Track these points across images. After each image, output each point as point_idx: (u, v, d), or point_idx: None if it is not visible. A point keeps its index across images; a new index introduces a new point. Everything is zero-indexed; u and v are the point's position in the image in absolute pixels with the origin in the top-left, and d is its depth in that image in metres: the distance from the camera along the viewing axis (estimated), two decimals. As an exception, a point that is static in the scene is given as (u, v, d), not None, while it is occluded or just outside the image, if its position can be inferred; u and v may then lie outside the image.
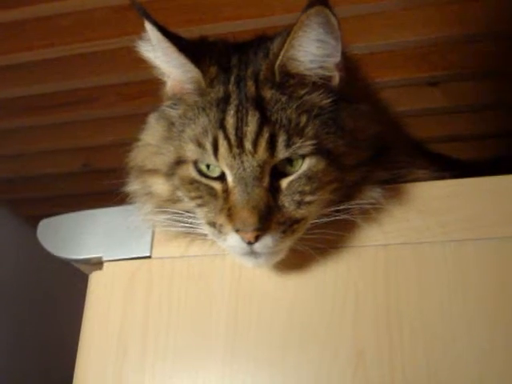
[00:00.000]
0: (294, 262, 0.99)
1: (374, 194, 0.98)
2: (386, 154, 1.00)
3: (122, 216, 1.09)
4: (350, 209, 0.96)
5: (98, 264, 1.08)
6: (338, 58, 0.97)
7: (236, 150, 0.92)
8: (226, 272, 1.02)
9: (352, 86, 1.02)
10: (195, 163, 0.96)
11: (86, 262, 1.10)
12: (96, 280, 1.08)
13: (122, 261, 1.07)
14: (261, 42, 1.05)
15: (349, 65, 1.06)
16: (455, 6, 1.93)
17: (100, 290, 1.07)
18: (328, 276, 0.97)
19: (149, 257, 1.06)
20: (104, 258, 1.08)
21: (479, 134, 2.42)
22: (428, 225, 0.97)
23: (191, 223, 0.98)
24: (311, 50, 0.94)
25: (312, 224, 0.95)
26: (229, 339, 0.97)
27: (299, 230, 0.94)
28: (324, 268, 0.98)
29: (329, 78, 0.98)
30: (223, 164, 0.93)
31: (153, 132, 1.05)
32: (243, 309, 0.99)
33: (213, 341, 0.98)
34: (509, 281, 0.91)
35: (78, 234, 1.11)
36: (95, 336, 1.04)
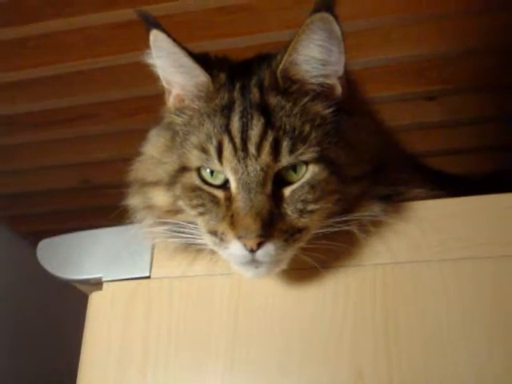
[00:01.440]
0: (293, 280, 1.00)
1: (374, 207, 0.99)
2: (385, 169, 1.01)
3: (122, 236, 1.09)
4: (351, 221, 0.96)
5: (97, 284, 1.09)
6: (340, 70, 0.98)
7: (241, 154, 0.93)
8: (225, 292, 1.02)
9: (353, 100, 1.04)
10: (198, 170, 0.97)
11: (86, 282, 1.10)
12: (96, 300, 1.08)
13: (121, 281, 1.07)
14: (265, 56, 1.07)
15: (352, 80, 1.07)
16: (451, 21, 1.94)
17: (100, 311, 1.07)
18: (327, 295, 0.98)
19: (148, 277, 1.06)
20: (104, 279, 1.08)
21: (476, 148, 2.43)
22: (426, 243, 0.97)
23: (192, 234, 0.99)
24: (313, 55, 0.96)
25: (314, 235, 0.95)
26: (228, 358, 0.97)
27: (301, 239, 0.94)
28: (323, 287, 0.98)
29: (330, 88, 0.99)
30: (227, 168, 0.93)
31: (155, 144, 1.06)
32: (242, 328, 0.99)
33: (212, 360, 0.98)
34: (506, 300, 0.91)
35: (77, 255, 1.11)
36: (95, 356, 1.04)
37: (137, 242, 1.07)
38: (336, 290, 0.98)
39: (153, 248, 1.08)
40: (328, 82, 0.98)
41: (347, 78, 1.02)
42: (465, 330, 0.91)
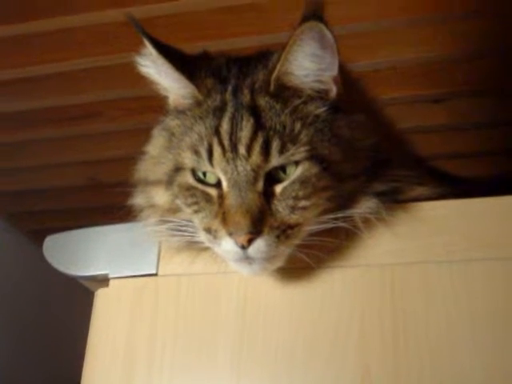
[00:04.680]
0: (300, 280, 1.00)
1: (370, 204, 0.99)
2: (384, 166, 1.01)
3: (129, 233, 1.10)
4: (347, 217, 0.96)
5: (104, 281, 1.09)
6: (334, 71, 0.98)
7: (230, 155, 0.94)
8: (232, 290, 1.02)
9: (350, 97, 1.04)
10: (193, 170, 0.98)
11: (92, 278, 1.10)
12: (102, 297, 1.09)
13: (128, 278, 1.08)
14: (263, 55, 1.07)
15: (348, 78, 1.08)
16: (459, 24, 1.93)
17: (106, 308, 1.07)
18: (334, 294, 0.98)
19: (155, 274, 1.07)
20: (110, 275, 1.08)
21: (484, 152, 2.42)
22: (434, 244, 0.97)
23: (191, 232, 1.00)
24: (306, 65, 0.96)
25: (311, 231, 0.96)
26: (235, 356, 0.98)
27: (294, 235, 0.94)
28: (331, 286, 0.98)
29: (325, 91, 0.99)
30: (218, 169, 0.95)
31: (155, 144, 1.08)
32: (249, 326, 0.99)
33: (219, 358, 0.98)
34: (515, 301, 0.91)
35: (84, 251, 1.11)
36: (101, 353, 1.04)
37: (144, 239, 1.07)
38: (343, 289, 0.98)
39: (160, 245, 1.08)
40: (322, 86, 0.99)
41: (343, 77, 1.02)
42: (474, 332, 0.91)
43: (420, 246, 0.98)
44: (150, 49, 0.99)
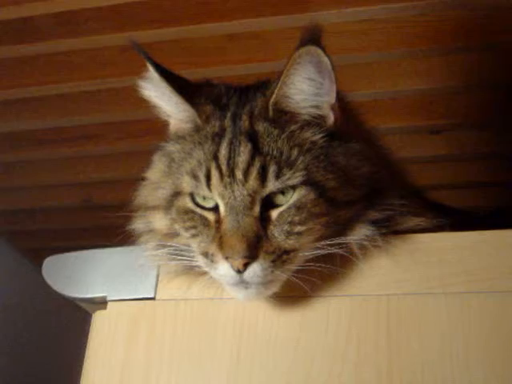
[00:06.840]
0: (297, 307, 1.00)
1: (366, 231, 0.99)
2: (380, 196, 1.01)
3: (128, 256, 1.10)
4: (343, 244, 0.96)
5: (101, 303, 1.09)
6: (332, 99, 0.99)
7: (227, 180, 0.95)
8: (229, 316, 1.02)
9: (348, 126, 1.05)
10: (191, 194, 0.99)
11: (90, 301, 1.10)
12: (99, 319, 1.08)
13: (126, 301, 1.07)
14: (263, 83, 1.09)
15: (347, 107, 1.09)
16: (458, 57, 1.96)
17: (103, 330, 1.07)
18: (330, 323, 0.98)
19: (153, 298, 1.07)
20: (108, 298, 1.08)
21: (481, 183, 2.43)
22: (430, 276, 0.97)
23: (189, 257, 1.00)
24: (303, 88, 0.97)
25: (306, 257, 0.96)
26: (231, 382, 0.97)
27: (290, 261, 0.95)
28: (326, 315, 0.98)
29: (322, 118, 1.00)
30: (215, 194, 0.95)
31: (155, 169, 1.08)
32: (245, 352, 0.99)
33: (215, 383, 0.98)
34: (510, 335, 0.91)
35: (83, 273, 1.11)
36: (97, 376, 1.03)
37: (142, 263, 1.07)
38: (339, 319, 0.98)
39: (158, 269, 1.08)
40: (319, 112, 1.00)
41: (342, 106, 1.03)
42: (469, 365, 0.90)
43: (416, 278, 0.98)
44: (152, 72, 1.01)
